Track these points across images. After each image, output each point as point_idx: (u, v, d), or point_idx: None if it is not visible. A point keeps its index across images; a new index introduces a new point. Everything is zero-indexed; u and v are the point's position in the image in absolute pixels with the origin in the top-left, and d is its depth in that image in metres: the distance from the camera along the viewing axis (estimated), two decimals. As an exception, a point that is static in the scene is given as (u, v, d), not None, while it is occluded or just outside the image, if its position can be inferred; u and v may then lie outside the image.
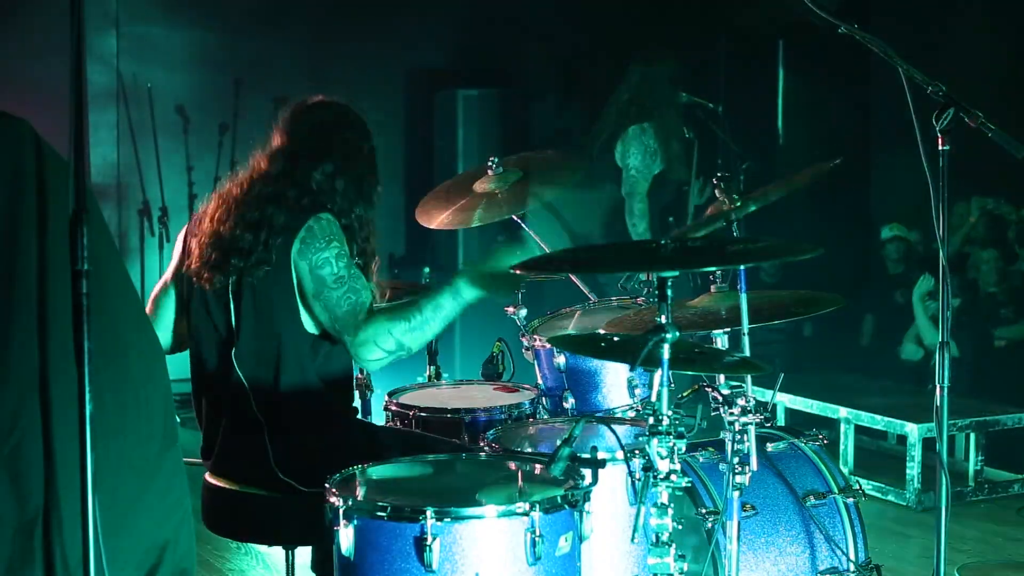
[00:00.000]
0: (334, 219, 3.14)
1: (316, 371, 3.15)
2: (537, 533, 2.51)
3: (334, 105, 3.34)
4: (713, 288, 3.27)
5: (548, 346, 3.74)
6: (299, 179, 3.18)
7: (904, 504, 5.51)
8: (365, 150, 3.29)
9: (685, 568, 2.56)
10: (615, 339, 2.91)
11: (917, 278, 7.58)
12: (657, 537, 2.54)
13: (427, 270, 5.99)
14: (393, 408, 3.67)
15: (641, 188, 5.94)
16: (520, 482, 2.79)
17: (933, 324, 6.59)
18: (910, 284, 7.66)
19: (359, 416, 3.55)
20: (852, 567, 3.32)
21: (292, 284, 3.10)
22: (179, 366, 4.12)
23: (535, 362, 3.84)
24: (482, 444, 3.19)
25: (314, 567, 3.29)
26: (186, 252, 3.27)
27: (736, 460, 2.86)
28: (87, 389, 2.29)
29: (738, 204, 3.22)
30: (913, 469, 5.47)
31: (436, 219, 3.98)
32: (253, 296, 3.11)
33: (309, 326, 3.14)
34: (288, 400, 3.11)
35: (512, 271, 2.95)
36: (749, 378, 3.04)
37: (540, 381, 3.85)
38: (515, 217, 4.03)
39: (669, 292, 2.54)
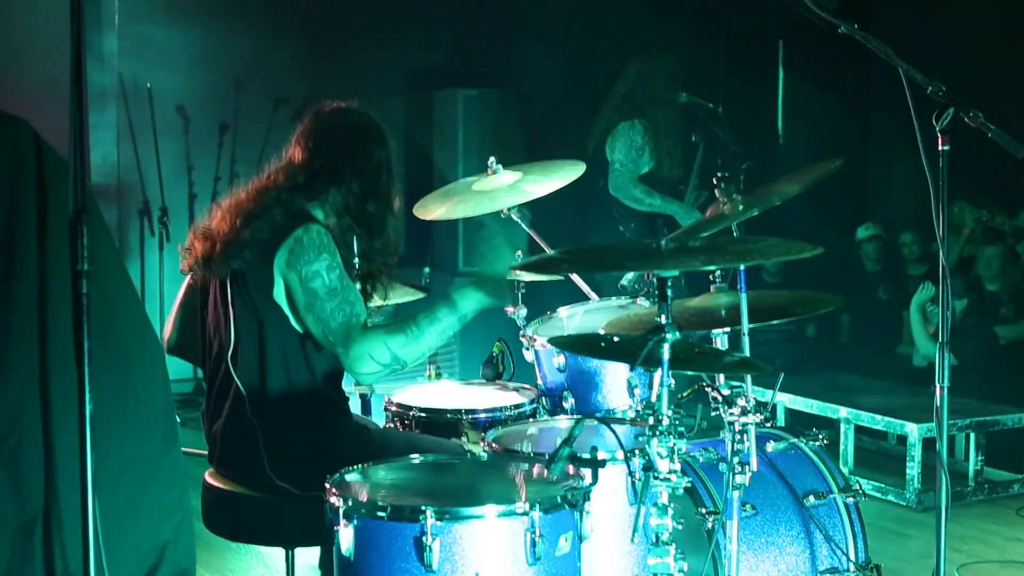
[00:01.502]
0: (324, 230, 3.11)
1: (308, 374, 3.14)
2: (537, 533, 2.51)
3: (351, 114, 3.31)
4: (713, 288, 3.27)
5: (548, 346, 3.74)
6: (299, 189, 3.18)
7: (904, 504, 5.50)
8: (374, 166, 3.25)
9: (685, 568, 2.56)
10: (615, 339, 2.90)
11: (895, 275, 7.58)
12: (657, 537, 2.54)
13: (427, 270, 6.00)
14: (393, 408, 3.67)
15: (624, 181, 5.91)
16: (520, 482, 2.80)
17: (932, 339, 6.56)
18: (888, 281, 7.67)
19: (357, 420, 3.54)
20: (852, 567, 3.32)
21: (274, 288, 3.08)
22: (179, 366, 4.13)
23: (535, 362, 3.84)
24: (482, 444, 3.19)
25: (321, 565, 3.30)
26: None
27: (736, 460, 2.86)
28: (87, 389, 2.29)
29: (740, 208, 3.21)
30: (913, 469, 5.46)
31: (432, 214, 3.99)
32: (244, 298, 3.12)
33: (298, 326, 3.13)
34: (280, 403, 3.11)
35: (504, 276, 2.98)
36: (749, 378, 3.04)
37: (540, 381, 3.85)
38: (514, 217, 4.03)
39: (669, 292, 2.54)
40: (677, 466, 2.53)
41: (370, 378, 3.10)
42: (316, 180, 3.19)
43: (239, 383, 3.12)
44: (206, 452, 3.28)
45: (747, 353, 3.05)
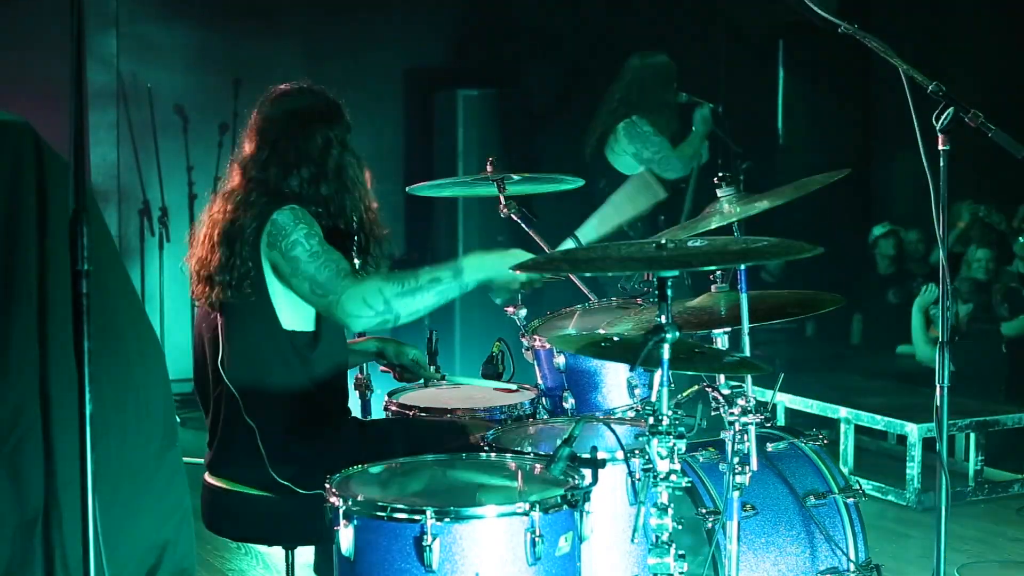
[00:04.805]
0: (299, 207, 3.11)
1: (303, 374, 3.14)
2: (537, 533, 2.51)
3: (293, 97, 3.34)
4: (713, 288, 3.27)
5: (548, 346, 3.74)
6: (266, 183, 3.18)
7: (904, 504, 5.51)
8: (320, 146, 3.23)
9: (685, 568, 2.56)
10: (615, 339, 2.90)
11: (909, 279, 7.56)
12: (657, 537, 2.54)
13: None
14: (393, 408, 3.67)
15: (675, 155, 6.03)
16: (520, 482, 2.80)
17: (930, 344, 6.54)
18: (902, 284, 7.66)
19: (355, 416, 3.54)
20: (852, 567, 3.32)
21: (267, 282, 3.09)
22: (179, 366, 4.13)
23: (535, 362, 3.84)
24: (482, 444, 3.19)
25: (316, 568, 3.29)
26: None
27: (736, 460, 2.85)
28: (87, 389, 2.29)
29: (738, 209, 3.21)
30: (913, 469, 5.46)
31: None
32: (236, 303, 3.12)
33: (289, 322, 3.13)
34: (277, 404, 3.11)
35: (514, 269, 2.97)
36: (749, 378, 3.04)
37: (540, 381, 3.85)
38: (515, 217, 4.03)
39: (669, 292, 2.54)
40: (677, 466, 2.53)
41: (360, 323, 3.04)
42: (268, 173, 3.18)
43: (231, 387, 3.12)
44: (203, 460, 3.29)
45: (747, 353, 3.05)
